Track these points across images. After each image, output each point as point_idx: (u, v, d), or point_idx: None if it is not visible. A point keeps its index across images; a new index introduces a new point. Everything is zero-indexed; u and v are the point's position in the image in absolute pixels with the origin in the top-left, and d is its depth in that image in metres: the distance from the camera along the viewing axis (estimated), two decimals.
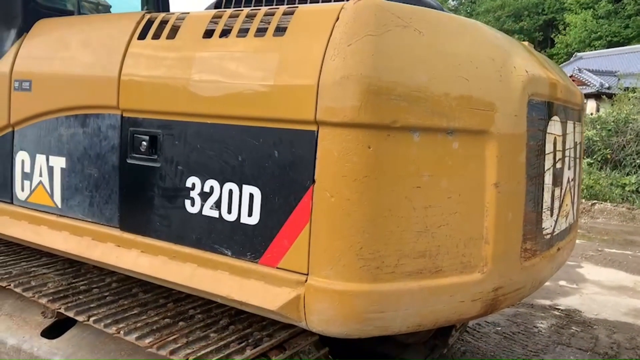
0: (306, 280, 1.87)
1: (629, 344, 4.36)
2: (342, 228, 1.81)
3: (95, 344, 2.40)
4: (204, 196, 2.09)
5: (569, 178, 2.65)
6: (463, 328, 4.05)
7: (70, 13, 3.37)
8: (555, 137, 2.37)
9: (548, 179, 2.31)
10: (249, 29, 2.04)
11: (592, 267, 6.86)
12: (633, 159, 12.63)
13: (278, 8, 2.05)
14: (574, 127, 2.70)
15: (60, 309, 2.42)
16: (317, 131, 1.81)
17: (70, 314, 2.38)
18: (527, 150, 2.08)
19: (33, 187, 2.71)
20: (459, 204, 1.93)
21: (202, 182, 2.10)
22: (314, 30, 1.88)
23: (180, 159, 2.16)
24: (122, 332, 2.20)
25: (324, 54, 1.80)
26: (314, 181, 1.83)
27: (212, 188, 2.07)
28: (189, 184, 2.13)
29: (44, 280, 2.72)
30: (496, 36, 2.21)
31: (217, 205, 2.06)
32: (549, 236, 2.39)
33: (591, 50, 33.08)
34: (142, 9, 4.28)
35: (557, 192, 2.46)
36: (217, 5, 2.66)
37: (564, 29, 38.18)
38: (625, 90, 16.68)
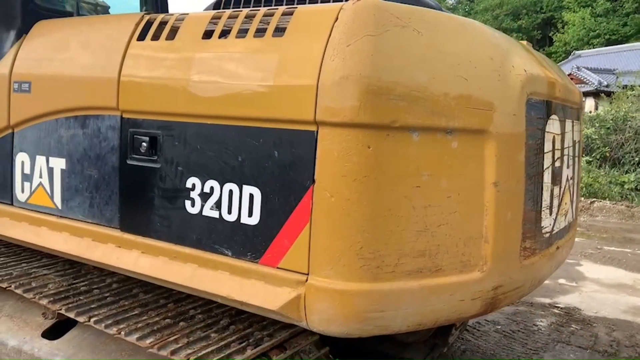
0: (306, 280, 1.87)
1: (628, 342, 4.36)
2: (342, 228, 1.81)
3: (96, 344, 2.40)
4: (204, 197, 2.10)
5: (568, 176, 2.65)
6: (463, 327, 4.05)
7: (70, 14, 3.37)
8: (554, 136, 2.38)
9: (547, 177, 2.32)
10: (248, 29, 2.05)
11: (591, 265, 6.86)
12: (632, 156, 12.65)
13: (277, 9, 2.05)
14: (573, 126, 2.71)
15: (61, 310, 2.43)
16: (317, 131, 1.82)
17: (71, 315, 2.39)
18: (526, 149, 2.08)
19: (33, 188, 2.71)
20: (459, 203, 1.93)
21: (202, 182, 2.10)
22: (313, 30, 1.88)
23: (180, 159, 2.16)
24: (123, 332, 2.20)
25: (323, 54, 1.81)
26: (314, 181, 1.83)
27: (212, 188, 2.08)
28: (189, 184, 2.14)
29: (45, 282, 2.73)
30: (495, 35, 2.22)
31: (218, 205, 2.06)
32: (548, 235, 2.39)
33: (589, 49, 33.15)
34: (140, 10, 4.27)
35: (556, 190, 2.46)
36: (216, 6, 2.67)
37: (562, 28, 38.25)
38: (623, 88, 16.70)
